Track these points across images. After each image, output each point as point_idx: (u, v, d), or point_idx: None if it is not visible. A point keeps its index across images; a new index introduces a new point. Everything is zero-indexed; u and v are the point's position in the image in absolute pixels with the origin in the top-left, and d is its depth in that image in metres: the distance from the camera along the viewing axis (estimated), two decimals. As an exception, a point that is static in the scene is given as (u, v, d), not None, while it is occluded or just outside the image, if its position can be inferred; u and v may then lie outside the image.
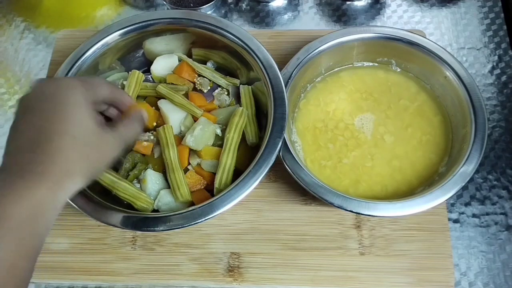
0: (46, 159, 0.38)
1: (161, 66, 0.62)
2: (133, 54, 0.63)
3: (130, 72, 0.60)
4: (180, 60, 0.62)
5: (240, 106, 0.58)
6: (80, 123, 0.41)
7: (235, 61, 0.61)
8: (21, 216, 0.35)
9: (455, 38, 0.71)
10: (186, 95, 0.59)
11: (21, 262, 0.35)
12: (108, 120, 0.51)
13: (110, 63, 0.61)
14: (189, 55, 0.63)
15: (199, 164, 0.56)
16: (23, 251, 0.35)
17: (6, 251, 0.34)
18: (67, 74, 0.56)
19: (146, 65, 0.64)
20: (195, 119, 0.58)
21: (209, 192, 0.55)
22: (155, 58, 0.62)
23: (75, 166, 0.39)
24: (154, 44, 0.62)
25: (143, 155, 0.57)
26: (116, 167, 0.57)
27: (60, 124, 0.39)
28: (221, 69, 0.63)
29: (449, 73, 0.58)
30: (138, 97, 0.59)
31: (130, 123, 0.48)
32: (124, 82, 0.60)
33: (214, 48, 0.62)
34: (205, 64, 0.63)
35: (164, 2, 0.72)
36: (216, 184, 0.53)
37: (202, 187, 0.55)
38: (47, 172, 0.37)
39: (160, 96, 0.59)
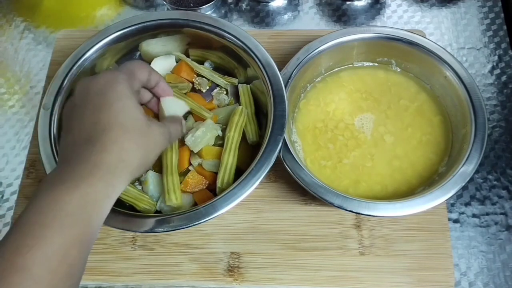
0: (101, 149, 0.39)
1: (159, 68, 0.62)
2: (130, 56, 0.63)
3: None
4: (177, 60, 0.62)
5: (239, 105, 0.58)
6: (129, 114, 0.42)
7: (232, 61, 0.61)
8: (73, 206, 0.36)
9: (455, 38, 0.71)
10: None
11: (74, 251, 0.36)
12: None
13: (108, 65, 0.61)
14: (186, 55, 0.63)
15: (200, 164, 0.56)
16: (77, 240, 0.36)
17: (60, 239, 0.35)
18: (67, 74, 0.56)
19: (143, 66, 0.64)
20: (196, 118, 0.58)
21: (211, 192, 0.55)
22: (152, 59, 0.62)
23: (129, 155, 0.41)
24: (150, 46, 0.62)
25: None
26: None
27: (111, 117, 0.41)
28: (219, 69, 0.63)
29: (449, 73, 0.58)
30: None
31: (176, 122, 0.51)
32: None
33: (211, 48, 0.62)
34: (203, 64, 0.63)
35: (164, 2, 0.72)
36: (219, 184, 0.53)
37: (204, 187, 0.55)
38: (102, 161, 0.39)
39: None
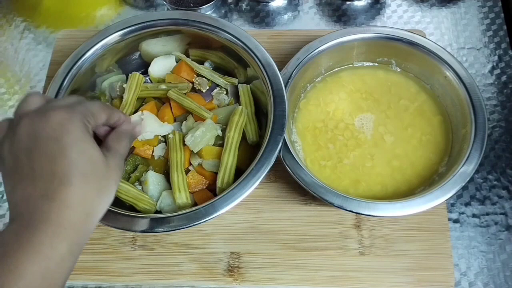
0: (62, 205, 0.36)
1: (159, 67, 0.62)
2: (130, 57, 0.63)
3: (130, 74, 0.60)
4: (177, 60, 0.62)
5: (239, 105, 0.58)
6: (87, 159, 0.38)
7: (232, 61, 0.61)
8: (34, 275, 0.33)
9: (455, 38, 0.71)
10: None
11: None
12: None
13: (108, 65, 0.61)
14: (186, 55, 0.63)
15: (200, 164, 0.56)
16: None
17: None
18: (67, 74, 0.56)
19: (143, 66, 0.64)
20: (196, 118, 0.58)
21: (211, 192, 0.55)
22: (152, 59, 0.62)
23: (93, 206, 0.38)
24: (150, 46, 0.62)
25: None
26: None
27: (68, 167, 0.37)
28: (219, 69, 0.63)
29: (449, 73, 0.58)
30: (137, 98, 0.59)
31: (120, 138, 0.45)
32: (124, 85, 0.60)
33: (211, 48, 0.62)
34: (203, 64, 0.63)
35: (164, 2, 0.72)
36: (219, 184, 0.53)
37: (204, 187, 0.55)
38: (66, 220, 0.35)
39: (160, 97, 0.60)
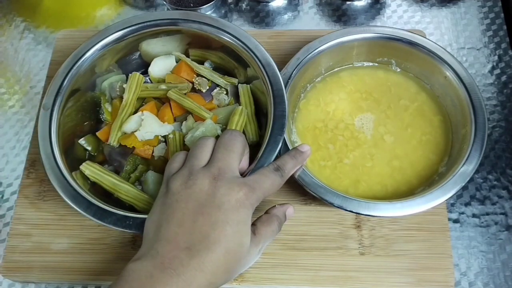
0: (197, 267, 0.39)
1: (159, 68, 0.62)
2: (130, 57, 0.63)
3: (130, 74, 0.60)
4: (177, 60, 0.62)
5: (239, 105, 0.58)
6: (238, 241, 0.41)
7: (232, 61, 0.61)
8: None
9: (455, 38, 0.71)
10: (186, 96, 0.59)
11: None
12: None
13: (108, 65, 0.61)
14: (186, 55, 0.63)
15: (199, 164, 0.56)
16: None
17: None
18: (67, 74, 0.56)
19: (143, 66, 0.63)
20: (196, 118, 0.58)
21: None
22: (152, 59, 0.62)
23: (218, 279, 0.41)
24: (150, 46, 0.62)
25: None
26: (117, 169, 0.57)
27: (220, 238, 0.40)
28: (219, 69, 0.63)
29: (449, 73, 0.58)
30: (137, 98, 0.59)
31: (271, 222, 0.47)
32: (124, 85, 0.60)
33: (211, 48, 0.62)
34: (202, 64, 0.63)
35: (164, 2, 0.72)
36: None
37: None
38: (194, 280, 0.39)
39: (160, 97, 0.60)
